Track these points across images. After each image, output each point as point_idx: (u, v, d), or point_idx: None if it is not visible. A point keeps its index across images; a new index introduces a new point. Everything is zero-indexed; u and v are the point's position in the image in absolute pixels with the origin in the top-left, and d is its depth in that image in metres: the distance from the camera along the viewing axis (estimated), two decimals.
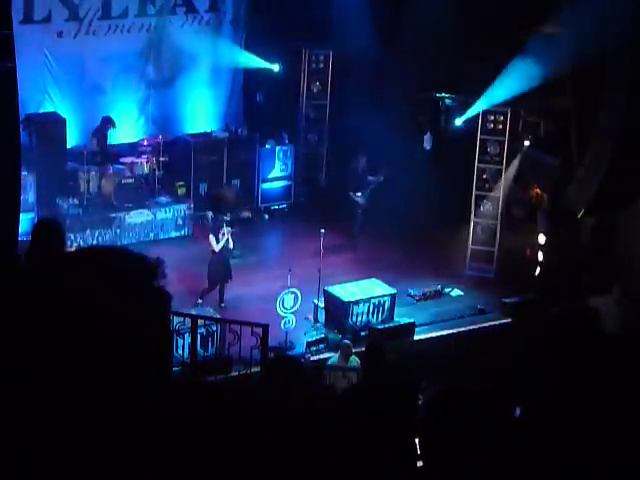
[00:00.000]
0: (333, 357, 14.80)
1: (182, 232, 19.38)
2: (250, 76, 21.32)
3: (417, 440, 4.78)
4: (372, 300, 16.48)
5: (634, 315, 15.50)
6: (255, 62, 20.64)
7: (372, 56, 19.62)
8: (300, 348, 15.56)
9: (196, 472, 1.88)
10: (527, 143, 18.81)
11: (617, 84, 15.60)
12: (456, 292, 17.94)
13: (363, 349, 15.24)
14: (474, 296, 17.84)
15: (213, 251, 16.72)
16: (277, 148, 20.96)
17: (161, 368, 1.80)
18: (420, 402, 7.30)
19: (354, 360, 14.51)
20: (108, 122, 19.19)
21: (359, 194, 19.09)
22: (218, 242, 16.64)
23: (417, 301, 17.48)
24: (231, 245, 16.75)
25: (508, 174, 18.68)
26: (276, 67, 20.74)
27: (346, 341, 14.99)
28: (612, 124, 15.86)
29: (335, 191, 20.40)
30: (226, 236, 16.67)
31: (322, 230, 16.73)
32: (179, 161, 19.91)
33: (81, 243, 17.93)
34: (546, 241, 18.20)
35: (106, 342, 1.68)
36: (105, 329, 1.69)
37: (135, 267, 1.82)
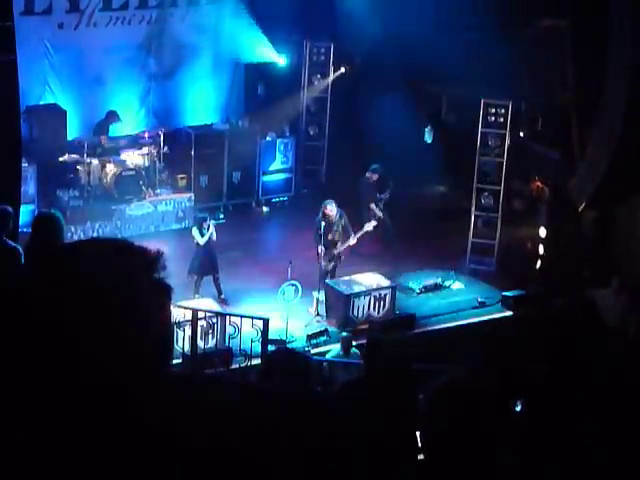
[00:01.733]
0: (333, 350, 14.80)
1: (183, 224, 19.37)
2: (251, 68, 21.29)
3: (418, 433, 4.77)
4: (373, 293, 16.50)
5: (632, 308, 15.52)
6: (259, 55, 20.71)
7: (373, 48, 19.61)
8: (301, 341, 15.57)
9: (194, 466, 1.88)
10: (522, 135, 18.82)
11: (619, 77, 15.57)
12: (457, 285, 17.96)
13: (364, 342, 15.29)
14: (475, 289, 17.85)
15: (197, 243, 16.61)
16: (278, 140, 20.95)
17: (162, 361, 1.79)
18: (421, 395, 7.29)
19: (355, 353, 14.52)
20: (113, 116, 19.18)
21: (376, 207, 18.92)
22: (203, 236, 16.51)
23: (418, 294, 17.49)
24: (215, 237, 16.60)
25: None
26: (282, 60, 20.78)
27: (345, 333, 15.00)
28: (614, 117, 15.84)
29: (335, 184, 20.39)
30: (211, 229, 16.56)
31: (323, 223, 16.72)
32: (180, 153, 19.89)
33: (81, 235, 17.93)
34: (547, 234, 18.21)
35: (106, 335, 1.68)
36: (105, 322, 1.68)
37: (135, 259, 1.81)
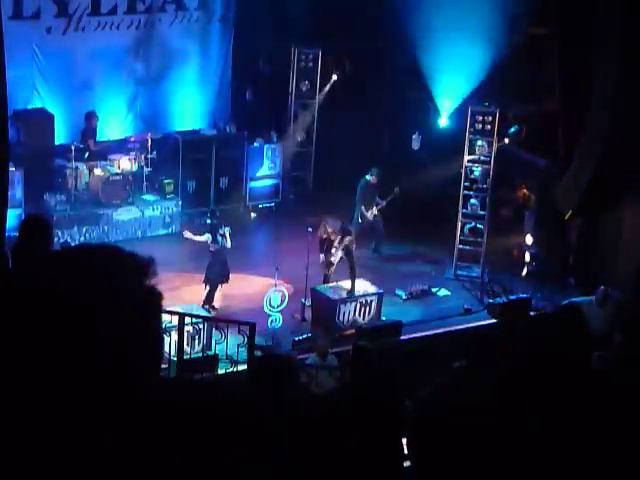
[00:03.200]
0: (311, 357, 14.75)
1: (170, 230, 19.36)
2: (239, 74, 21.30)
3: (404, 440, 4.78)
4: (359, 299, 16.51)
5: (617, 316, 15.56)
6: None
7: (361, 55, 19.66)
8: (287, 347, 15.55)
9: (182, 472, 1.89)
10: (506, 141, 18.86)
11: (606, 85, 15.63)
12: (443, 292, 17.98)
13: (349, 348, 15.28)
14: (461, 296, 17.88)
15: (212, 252, 16.53)
16: (265, 146, 20.94)
17: (152, 368, 1.80)
18: (407, 402, 7.31)
19: (332, 359, 14.47)
20: (92, 117, 19.15)
21: (368, 211, 18.90)
22: (217, 242, 16.41)
23: (404, 301, 17.51)
24: (228, 245, 16.55)
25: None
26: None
27: (321, 340, 14.94)
28: (600, 125, 15.89)
29: (323, 190, 20.40)
30: (215, 236, 16.48)
31: (310, 229, 16.73)
32: (167, 158, 19.87)
33: (68, 240, 17.90)
34: (533, 242, 18.26)
35: (96, 342, 1.69)
36: (95, 329, 1.69)
37: (126, 265, 1.83)
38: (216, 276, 16.48)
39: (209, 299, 16.44)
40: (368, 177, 18.85)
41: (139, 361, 1.74)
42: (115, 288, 1.74)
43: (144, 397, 1.78)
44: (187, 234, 16.82)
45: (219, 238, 16.44)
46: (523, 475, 3.25)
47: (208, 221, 16.89)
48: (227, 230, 16.53)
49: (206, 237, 16.56)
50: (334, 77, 20.96)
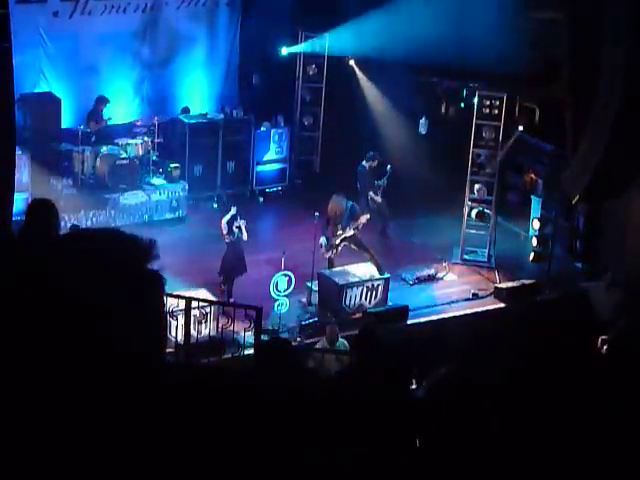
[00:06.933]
0: (321, 341, 14.76)
1: (176, 214, 19.36)
2: (246, 58, 21.26)
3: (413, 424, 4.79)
4: (366, 283, 16.50)
5: (624, 301, 15.56)
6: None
7: (369, 40, 19.59)
8: (293, 331, 15.57)
9: (189, 454, 1.89)
10: (521, 128, 18.78)
11: (614, 70, 15.58)
12: (450, 276, 17.97)
13: (356, 332, 15.29)
14: (468, 281, 17.87)
15: (227, 244, 16.44)
16: (272, 130, 20.93)
17: (155, 350, 1.79)
18: (414, 386, 7.32)
19: (341, 343, 14.49)
20: (101, 101, 19.16)
21: (374, 194, 18.92)
22: (231, 232, 16.28)
23: (411, 285, 17.50)
24: (245, 237, 16.44)
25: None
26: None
27: (330, 324, 14.93)
28: (608, 110, 15.85)
29: (330, 174, 20.39)
30: (231, 229, 16.40)
31: (317, 213, 16.71)
32: (174, 143, 19.88)
33: (75, 224, 17.90)
34: (540, 226, 18.25)
35: (98, 326, 1.68)
36: (97, 313, 1.68)
37: (128, 249, 1.82)
38: (231, 268, 16.42)
39: (229, 293, 16.37)
40: (365, 163, 18.89)
41: (142, 342, 1.73)
42: (114, 272, 1.74)
43: (149, 380, 1.78)
44: (228, 216, 16.56)
45: (235, 230, 16.33)
46: (531, 457, 3.25)
47: (215, 205, 16.83)
48: (243, 223, 16.39)
49: (223, 226, 16.44)
50: (351, 62, 20.88)
